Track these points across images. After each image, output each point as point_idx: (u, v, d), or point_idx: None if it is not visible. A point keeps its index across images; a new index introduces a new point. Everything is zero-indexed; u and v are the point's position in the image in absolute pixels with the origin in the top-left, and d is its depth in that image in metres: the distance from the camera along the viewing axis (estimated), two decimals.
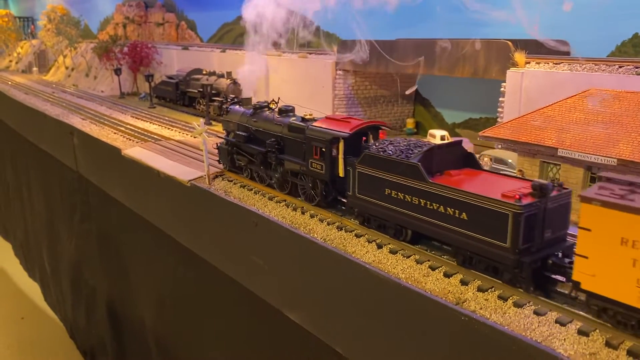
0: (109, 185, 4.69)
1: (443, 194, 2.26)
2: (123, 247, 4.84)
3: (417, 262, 2.25)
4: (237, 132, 3.59)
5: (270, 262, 2.81)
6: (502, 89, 3.60)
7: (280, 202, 3.00)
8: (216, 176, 3.51)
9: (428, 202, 2.30)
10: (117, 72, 6.83)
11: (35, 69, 10.38)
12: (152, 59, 7.54)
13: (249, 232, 2.97)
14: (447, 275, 2.15)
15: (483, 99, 4.58)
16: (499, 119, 3.65)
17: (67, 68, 9.45)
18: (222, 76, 5.64)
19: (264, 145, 3.26)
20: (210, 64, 6.42)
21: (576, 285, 1.92)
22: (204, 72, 6.06)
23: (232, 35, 7.38)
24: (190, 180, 3.50)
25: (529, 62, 3.62)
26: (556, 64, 3.54)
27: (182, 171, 3.71)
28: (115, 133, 4.86)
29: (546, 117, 2.95)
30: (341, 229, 2.60)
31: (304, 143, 3.04)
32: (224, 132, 3.68)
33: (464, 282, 2.09)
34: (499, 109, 3.66)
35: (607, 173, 2.01)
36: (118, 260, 4.96)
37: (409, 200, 2.38)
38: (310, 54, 5.21)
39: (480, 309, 1.92)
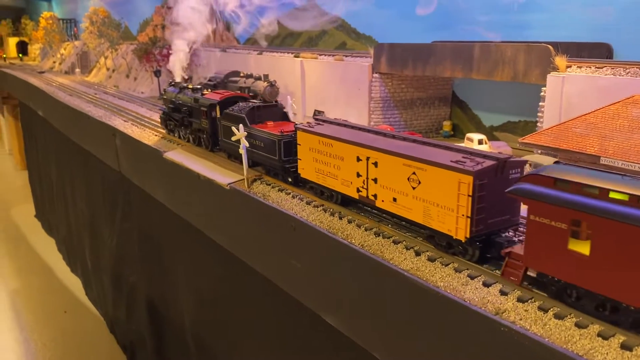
0: (150, 186, 4.81)
1: (255, 134, 3.54)
2: (163, 246, 4.96)
3: (456, 270, 2.25)
4: (169, 105, 4.92)
5: (307, 266, 2.85)
6: (542, 94, 3.54)
7: (317, 207, 3.04)
8: (254, 180, 3.57)
9: (251, 140, 3.50)
10: (157, 73, 6.99)
11: (77, 70, 10.69)
12: (190, 61, 7.68)
13: (287, 236, 3.02)
14: (486, 284, 2.15)
15: (522, 102, 4.52)
16: (538, 124, 3.60)
17: (108, 69, 9.72)
18: (259, 78, 5.70)
19: (182, 113, 4.63)
20: (247, 66, 6.51)
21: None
22: (242, 75, 6.14)
23: (269, 37, 7.44)
24: (229, 184, 3.58)
25: (570, 66, 3.56)
26: (598, 68, 3.47)
27: (221, 174, 3.79)
28: (156, 135, 4.99)
29: (588, 124, 2.90)
30: (379, 235, 2.62)
31: (199, 109, 4.39)
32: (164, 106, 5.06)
33: (503, 292, 2.08)
34: (539, 114, 3.60)
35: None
36: (158, 259, 5.09)
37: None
38: (346, 56, 5.23)
39: (520, 319, 1.91)
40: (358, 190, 2.83)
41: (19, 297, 8.44)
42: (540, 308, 1.97)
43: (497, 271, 2.22)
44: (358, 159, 2.81)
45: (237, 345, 3.98)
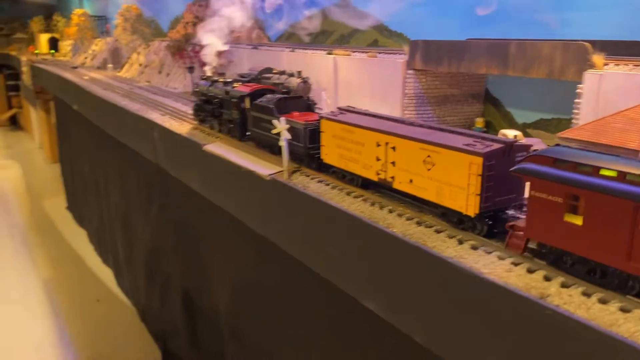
0: (188, 177, 4.95)
1: None
2: (200, 237, 5.10)
3: (499, 258, 2.34)
4: (201, 97, 5.18)
5: (347, 253, 2.95)
6: (578, 91, 3.59)
7: (357, 198, 3.14)
8: (294, 171, 3.68)
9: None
10: (190, 70, 7.14)
11: (110, 65, 10.94)
12: (222, 57, 7.85)
13: (327, 225, 3.12)
14: (530, 271, 2.22)
15: (555, 99, 4.55)
16: (574, 121, 3.64)
17: (140, 65, 9.94)
18: (292, 75, 5.82)
19: (214, 105, 4.89)
20: (279, 63, 6.62)
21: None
22: (275, 71, 6.27)
23: (300, 35, 7.57)
24: (270, 174, 3.70)
25: (607, 64, 3.59)
26: (636, 65, 3.50)
27: (261, 166, 3.91)
28: (195, 129, 5.14)
29: (628, 120, 2.95)
30: (420, 224, 2.71)
31: (230, 101, 4.61)
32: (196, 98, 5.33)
33: (547, 278, 2.16)
34: (575, 111, 3.65)
35: None
36: (194, 249, 5.23)
37: (271, 127, 3.62)
38: (379, 53, 5.31)
39: (564, 304, 1.99)
40: (377, 173, 3.05)
41: (53, 285, 8.68)
42: (584, 293, 2.04)
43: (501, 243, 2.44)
44: (378, 145, 3.03)
45: (272, 333, 4.09)
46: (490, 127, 5.25)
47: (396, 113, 5.02)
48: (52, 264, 9.47)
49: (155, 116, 5.87)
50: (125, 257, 7.75)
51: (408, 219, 2.79)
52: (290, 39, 7.51)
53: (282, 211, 3.57)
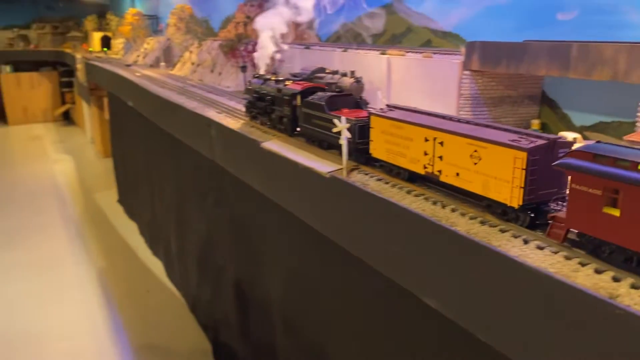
0: (245, 173, 5.10)
1: (332, 119, 3.70)
2: (255, 230, 5.25)
3: (566, 258, 2.36)
4: (253, 95, 5.36)
5: (410, 251, 3.02)
6: None
7: (418, 196, 3.20)
8: (352, 169, 3.76)
9: (329, 125, 3.77)
10: (243, 69, 7.32)
11: (162, 64, 11.28)
12: (274, 57, 8.01)
13: (388, 223, 3.19)
14: (598, 271, 2.24)
15: (616, 102, 4.49)
16: (638, 124, 3.60)
17: (192, 64, 10.22)
18: (345, 75, 5.90)
19: (266, 102, 5.06)
20: (331, 63, 6.72)
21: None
22: (327, 71, 6.37)
23: (351, 34, 7.67)
24: (328, 172, 3.79)
25: None
26: None
27: (320, 163, 4.01)
28: (252, 127, 5.29)
29: None
30: (484, 224, 2.75)
31: (282, 98, 4.78)
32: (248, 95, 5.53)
33: (616, 279, 2.17)
34: (639, 114, 3.61)
35: None
36: (248, 242, 5.39)
37: (321, 123, 3.94)
38: (434, 53, 5.34)
39: (635, 304, 2.00)
40: (424, 167, 3.16)
41: (106, 275, 9.02)
42: None
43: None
44: (426, 140, 3.14)
45: (326, 327, 4.19)
46: (547, 129, 5.20)
47: (451, 113, 5.02)
48: (104, 255, 9.84)
49: (212, 114, 6.05)
50: (177, 250, 8.00)
51: (471, 218, 2.83)
52: (341, 39, 7.61)
53: (340, 208, 3.65)
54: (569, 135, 4.27)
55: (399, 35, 6.90)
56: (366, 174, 3.74)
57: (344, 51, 6.67)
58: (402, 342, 3.45)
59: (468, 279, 2.64)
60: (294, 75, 7.03)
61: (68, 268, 9.21)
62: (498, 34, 5.53)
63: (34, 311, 7.66)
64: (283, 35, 7.29)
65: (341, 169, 3.76)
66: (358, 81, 6.09)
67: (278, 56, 7.06)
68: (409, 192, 3.40)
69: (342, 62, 6.61)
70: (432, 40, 6.38)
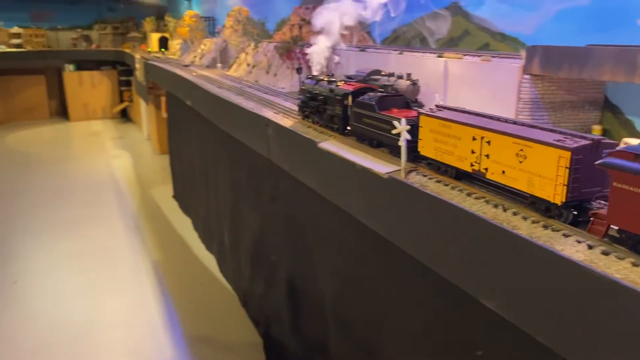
0: (301, 172, 5.23)
1: (382, 118, 3.98)
2: (309, 228, 5.37)
3: (634, 264, 2.35)
4: (306, 95, 5.51)
5: (469, 253, 3.05)
6: None
7: (479, 199, 3.23)
8: (410, 171, 3.82)
9: (379, 124, 4.02)
10: (299, 70, 7.46)
11: (219, 65, 11.59)
12: (329, 59, 8.13)
13: (447, 224, 3.23)
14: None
15: None
16: None
17: (248, 65, 10.47)
18: (400, 77, 5.94)
19: (318, 101, 5.22)
20: (387, 65, 6.76)
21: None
22: (383, 73, 6.42)
23: (407, 37, 7.71)
24: (387, 173, 3.86)
25: None
26: None
27: (378, 164, 4.09)
28: (308, 127, 5.41)
29: None
30: (547, 228, 2.76)
31: (334, 98, 4.91)
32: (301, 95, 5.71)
33: None
34: None
35: None
36: (302, 240, 5.51)
37: (371, 122, 4.12)
38: (493, 57, 5.31)
39: None
40: (471, 165, 3.26)
41: (161, 267, 9.34)
42: None
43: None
44: (473, 139, 3.23)
45: (381, 326, 4.25)
46: (608, 136, 5.08)
47: (510, 117, 4.98)
48: (160, 248, 10.20)
49: (269, 114, 6.22)
50: (230, 245, 8.22)
51: (534, 222, 2.85)
52: (397, 42, 7.66)
53: (398, 208, 3.72)
54: (632, 142, 4.17)
55: (456, 39, 6.88)
56: (424, 176, 3.78)
57: (400, 54, 6.71)
58: (457, 344, 3.48)
59: (528, 281, 2.65)
60: (349, 77, 7.12)
61: (125, 259, 9.61)
62: (561, 38, 5.44)
63: (92, 299, 8.03)
64: (340, 37, 7.39)
65: (399, 170, 3.82)
66: (414, 84, 6.11)
67: (336, 59, 7.18)
68: (469, 195, 3.42)
69: (397, 64, 6.64)
70: (490, 44, 6.34)
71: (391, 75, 6.49)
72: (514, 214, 3.01)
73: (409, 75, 6.18)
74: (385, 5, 5.76)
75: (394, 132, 3.80)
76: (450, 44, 6.90)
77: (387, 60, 6.80)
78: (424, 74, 5.98)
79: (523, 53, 4.83)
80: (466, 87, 5.54)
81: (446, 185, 3.60)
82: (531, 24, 5.74)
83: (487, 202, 3.25)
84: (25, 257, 9.64)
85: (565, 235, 2.64)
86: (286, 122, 5.77)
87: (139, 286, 8.67)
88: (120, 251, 10.03)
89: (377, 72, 6.87)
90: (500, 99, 5.20)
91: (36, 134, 21.59)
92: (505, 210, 3.07)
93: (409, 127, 3.75)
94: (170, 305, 7.99)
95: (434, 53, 6.13)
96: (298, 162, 5.30)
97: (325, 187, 4.75)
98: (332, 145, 4.72)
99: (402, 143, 3.80)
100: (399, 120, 3.79)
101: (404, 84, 6.23)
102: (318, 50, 7.26)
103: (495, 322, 2.97)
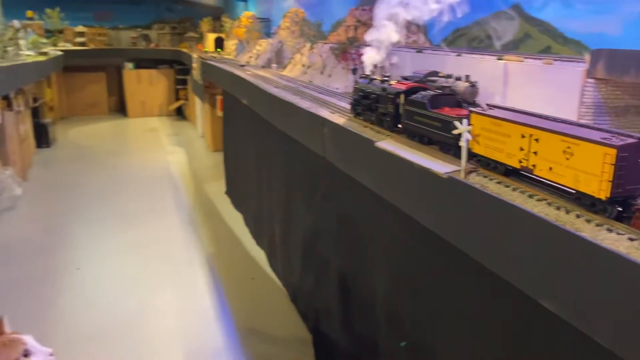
0: (356, 171, 5.30)
1: (434, 116, 4.12)
2: (362, 226, 5.44)
3: None
4: (359, 93, 5.63)
5: (528, 253, 3.05)
6: None
7: (541, 201, 3.22)
8: (470, 172, 3.84)
9: (430, 122, 4.18)
10: (354, 71, 7.54)
11: (274, 65, 11.82)
12: (384, 60, 8.18)
13: (508, 225, 3.24)
14: None
15: None
16: None
17: (303, 66, 10.63)
18: (459, 79, 5.93)
19: (370, 100, 5.34)
20: (444, 67, 6.75)
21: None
22: (440, 75, 6.43)
23: (465, 39, 7.67)
24: (446, 173, 3.89)
25: None
26: None
27: (436, 164, 4.12)
28: (365, 127, 5.49)
29: None
30: (611, 231, 2.74)
31: (386, 96, 5.02)
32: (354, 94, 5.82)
33: None
34: None
35: None
36: (356, 238, 5.59)
37: (422, 120, 4.26)
38: (555, 60, 5.24)
39: None
40: (520, 162, 3.37)
41: (214, 260, 9.62)
42: None
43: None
44: (522, 136, 3.33)
45: (434, 326, 4.28)
46: None
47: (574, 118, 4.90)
48: (213, 241, 10.50)
49: (325, 113, 6.33)
50: (281, 241, 8.39)
51: (597, 225, 2.83)
52: (454, 43, 7.63)
53: (457, 208, 3.74)
54: None
55: (516, 41, 6.80)
56: (485, 177, 3.79)
57: (458, 55, 6.69)
58: (512, 345, 3.48)
59: (589, 282, 2.64)
60: (405, 78, 7.15)
61: (180, 251, 9.93)
62: (629, 42, 5.31)
63: (148, 288, 8.33)
64: (396, 38, 7.42)
65: (459, 170, 3.85)
66: (473, 85, 6.09)
67: (395, 59, 7.23)
68: (531, 197, 3.42)
69: (455, 66, 6.62)
70: (551, 47, 6.24)
71: (449, 76, 6.49)
72: (577, 216, 3.00)
73: (467, 77, 6.17)
74: (448, 5, 5.74)
75: (454, 132, 3.83)
76: (511, 46, 6.82)
77: (445, 62, 6.79)
78: (482, 76, 5.95)
79: (587, 56, 4.75)
80: (527, 90, 5.47)
81: (507, 186, 3.61)
82: (612, 25, 5.62)
83: (549, 204, 3.25)
84: (88, 245, 10.13)
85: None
86: (342, 121, 5.86)
87: (192, 277, 8.96)
88: (175, 243, 10.38)
89: (435, 73, 6.87)
90: (562, 102, 5.12)
91: (97, 129, 22.56)
92: (568, 212, 3.06)
93: (470, 127, 3.78)
94: (222, 297, 8.22)
95: (494, 55, 6.08)
96: (353, 160, 5.39)
97: (380, 186, 4.82)
98: (390, 144, 4.78)
99: (463, 143, 3.83)
100: (459, 120, 3.84)
101: (462, 85, 6.22)
102: (372, 51, 7.32)
103: (552, 322, 2.97)
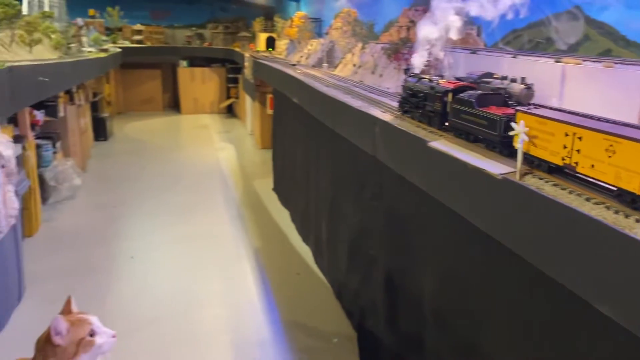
0: (407, 170, 5.33)
1: (481, 115, 4.15)
2: (412, 225, 5.46)
3: None
4: (407, 92, 5.71)
5: (584, 256, 3.03)
6: None
7: (598, 204, 3.18)
8: (525, 173, 3.82)
9: (477, 120, 4.22)
10: (407, 71, 7.56)
11: (325, 64, 11.94)
12: (434, 65, 8.16)
13: (564, 227, 3.22)
14: None
15: None
16: None
17: (354, 65, 10.71)
18: (514, 81, 5.87)
19: (418, 98, 5.42)
20: (499, 68, 6.67)
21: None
22: (496, 76, 6.37)
23: (521, 41, 7.56)
24: (500, 174, 3.88)
25: None
26: None
27: (491, 165, 4.11)
28: (417, 127, 5.52)
29: None
30: None
31: (434, 95, 5.09)
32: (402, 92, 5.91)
33: None
34: None
35: None
36: (404, 236, 5.61)
37: (469, 118, 4.31)
38: (616, 63, 5.12)
39: None
40: (563, 159, 3.45)
41: (260, 254, 9.81)
42: None
43: None
44: (566, 134, 3.39)
45: (482, 326, 4.27)
46: None
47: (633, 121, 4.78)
48: (260, 236, 10.72)
49: (377, 112, 6.39)
50: (327, 238, 8.49)
51: (637, 221, 2.78)
52: (510, 45, 7.53)
53: (511, 210, 3.73)
54: None
55: (574, 44, 6.66)
56: (540, 179, 3.77)
57: (514, 57, 6.61)
58: (561, 347, 3.45)
59: None
60: (458, 79, 7.11)
61: (228, 244, 10.16)
62: None
63: (198, 279, 8.56)
64: (448, 39, 7.39)
65: (514, 171, 3.83)
66: (529, 88, 6.01)
67: (446, 61, 7.20)
68: (588, 200, 3.38)
69: (510, 68, 6.54)
70: (612, 50, 6.08)
71: (504, 78, 6.42)
72: (637, 220, 2.94)
73: (523, 79, 6.10)
74: (509, 5, 5.69)
75: (511, 133, 3.83)
76: (570, 49, 6.69)
77: (500, 64, 6.72)
78: (539, 78, 5.87)
79: None
80: (585, 93, 5.36)
81: (563, 189, 3.57)
82: None
83: (607, 208, 3.21)
84: (141, 235, 10.51)
85: None
86: (394, 120, 5.91)
87: (239, 270, 9.18)
88: (224, 236, 10.63)
89: (489, 74, 6.81)
90: (622, 106, 4.98)
91: (151, 124, 23.32)
92: (627, 216, 3.02)
93: (527, 129, 3.76)
94: (268, 290, 8.40)
95: (552, 58, 5.99)
96: (405, 160, 5.42)
97: (432, 185, 4.84)
98: (442, 144, 4.79)
99: (518, 145, 3.81)
100: (505, 118, 3.91)
101: (517, 87, 6.15)
102: (421, 52, 7.32)
103: (604, 327, 2.93)
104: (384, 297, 6.07)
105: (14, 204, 3.64)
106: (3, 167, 3.21)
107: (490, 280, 4.18)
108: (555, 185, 3.57)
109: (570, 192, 3.44)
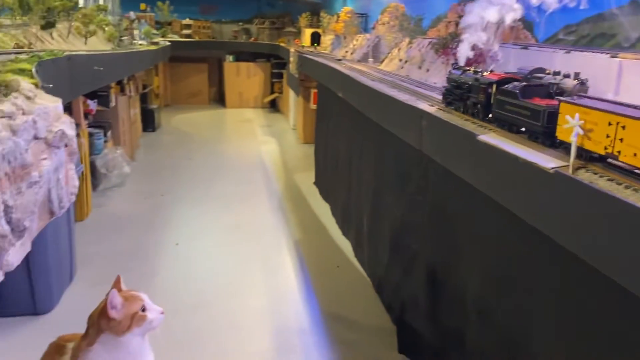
0: (454, 164, 5.27)
1: (525, 105, 4.12)
2: (457, 220, 5.40)
3: None
4: (451, 84, 5.66)
5: (633, 251, 2.94)
6: None
7: None
8: (578, 167, 3.73)
9: (521, 111, 4.19)
10: (454, 66, 7.47)
11: (370, 59, 11.91)
12: (487, 56, 8.03)
13: (620, 223, 3.12)
14: None
15: None
16: None
17: (400, 60, 10.64)
18: (567, 76, 5.72)
19: (462, 89, 5.37)
20: (551, 64, 6.51)
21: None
22: (547, 72, 6.23)
23: (574, 36, 7.33)
24: (553, 168, 3.80)
25: None
26: None
27: (542, 158, 4.03)
28: (466, 120, 5.46)
29: None
30: None
31: (478, 86, 5.02)
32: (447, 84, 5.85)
33: None
34: None
35: None
36: (448, 231, 5.56)
37: (513, 109, 4.31)
38: None
39: None
40: (605, 148, 3.42)
41: (302, 246, 9.89)
42: None
43: None
44: (609, 124, 3.34)
45: (528, 322, 4.20)
46: None
47: None
48: (301, 229, 10.80)
49: (424, 106, 6.34)
50: (368, 232, 8.48)
51: None
52: (563, 41, 7.32)
53: (564, 205, 3.65)
54: None
55: (634, 40, 6.40)
56: (595, 173, 3.66)
57: (567, 52, 6.44)
58: (611, 345, 3.37)
59: None
60: (507, 74, 6.98)
61: (269, 235, 10.28)
62: None
63: (239, 268, 8.69)
64: (496, 33, 7.25)
65: (567, 165, 3.75)
66: (582, 83, 5.85)
67: (497, 56, 7.08)
68: None
69: (563, 63, 6.37)
70: None
71: (557, 73, 6.27)
72: None
73: (577, 74, 5.94)
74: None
75: (565, 127, 3.75)
76: (631, 46, 6.45)
77: (552, 59, 6.56)
78: (593, 74, 5.70)
79: None
80: None
81: (619, 184, 3.46)
82: None
83: None
84: (186, 223, 10.77)
85: None
86: (442, 114, 5.85)
87: (280, 260, 9.28)
88: (265, 227, 10.77)
89: (541, 70, 6.66)
90: None
91: (197, 117, 23.82)
92: None
93: (582, 122, 3.67)
94: (307, 281, 8.46)
95: (607, 53, 5.81)
96: (452, 153, 5.37)
97: (480, 179, 4.77)
98: (491, 137, 4.72)
99: (572, 139, 3.72)
100: (550, 109, 3.85)
101: (570, 83, 5.99)
102: (466, 45, 7.20)
103: None
104: (425, 292, 6.03)
105: (75, 182, 3.81)
106: (66, 145, 3.37)
107: (539, 277, 4.10)
108: (610, 180, 3.47)
109: (626, 187, 3.34)
